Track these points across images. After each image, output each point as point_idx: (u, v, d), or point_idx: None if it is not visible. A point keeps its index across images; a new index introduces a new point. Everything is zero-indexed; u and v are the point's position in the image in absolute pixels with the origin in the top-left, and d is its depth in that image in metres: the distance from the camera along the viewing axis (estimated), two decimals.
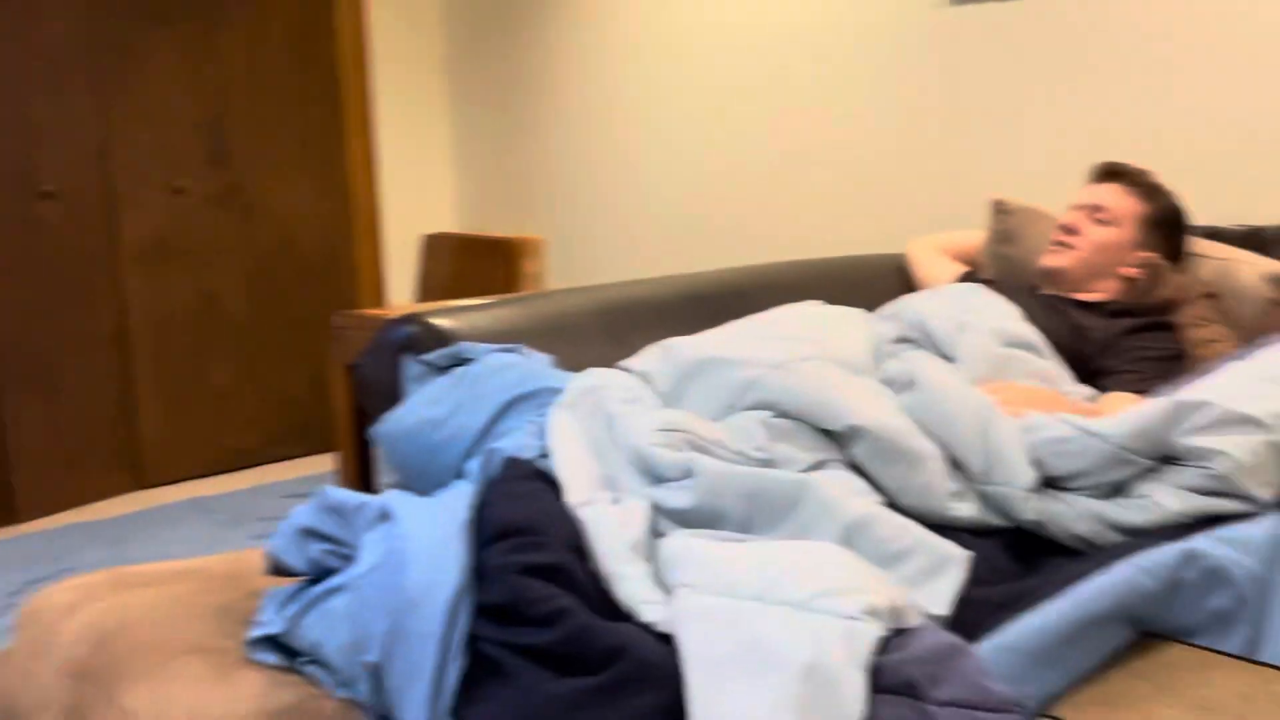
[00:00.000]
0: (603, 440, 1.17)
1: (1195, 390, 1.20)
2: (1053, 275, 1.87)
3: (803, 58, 2.92)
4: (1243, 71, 2.16)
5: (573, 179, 3.63)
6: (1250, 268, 1.89)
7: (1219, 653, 0.95)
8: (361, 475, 2.20)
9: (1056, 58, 2.43)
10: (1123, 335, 1.72)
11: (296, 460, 3.86)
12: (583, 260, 3.65)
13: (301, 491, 3.46)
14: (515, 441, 1.21)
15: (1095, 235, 1.85)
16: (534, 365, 1.40)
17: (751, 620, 0.80)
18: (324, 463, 3.80)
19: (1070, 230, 1.86)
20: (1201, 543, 1.00)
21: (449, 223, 4.11)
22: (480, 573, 0.94)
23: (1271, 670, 0.91)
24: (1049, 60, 2.44)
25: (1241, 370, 1.28)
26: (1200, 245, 1.97)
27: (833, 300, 1.99)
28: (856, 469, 1.23)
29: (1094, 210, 1.86)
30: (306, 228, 3.85)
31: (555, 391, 1.31)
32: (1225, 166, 2.19)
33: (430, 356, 1.54)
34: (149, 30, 3.43)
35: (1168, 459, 1.16)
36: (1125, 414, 1.17)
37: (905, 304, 1.73)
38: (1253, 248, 1.98)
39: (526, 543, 0.91)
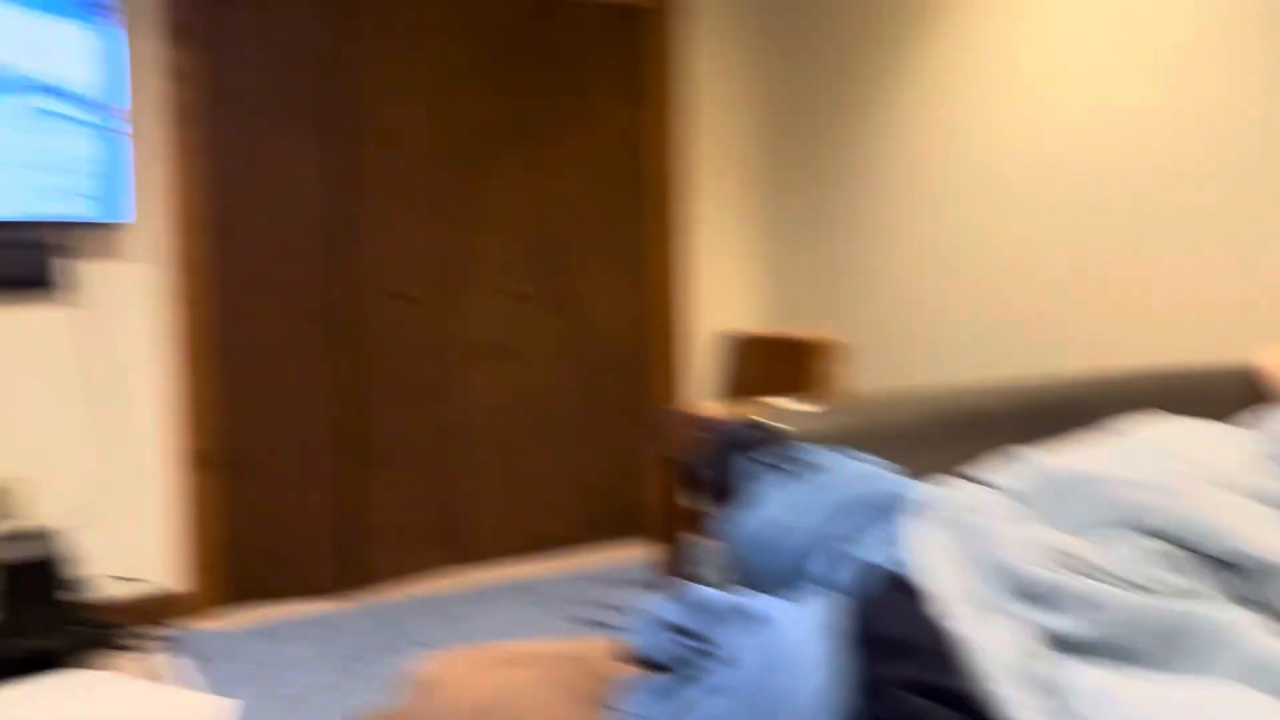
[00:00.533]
0: (972, 554, 1.13)
1: None
2: None
3: (1155, 142, 2.78)
4: None
5: (880, 278, 3.61)
6: None
7: None
8: (677, 568, 2.25)
9: None
10: None
11: (601, 545, 4.01)
12: (887, 363, 3.60)
13: (611, 578, 3.58)
14: (875, 551, 1.19)
15: None
16: (885, 473, 1.39)
17: None
18: (628, 550, 3.92)
19: None
20: None
21: (754, 322, 4.20)
22: (867, 688, 0.93)
23: None
24: None
25: None
26: None
27: (1173, 412, 1.84)
28: (1266, 609, 1.11)
29: None
30: (619, 328, 4.06)
31: (912, 501, 1.29)
32: None
33: (768, 456, 1.57)
34: (492, 150, 3.80)
35: None
36: None
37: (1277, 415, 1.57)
38: None
39: (923, 662, 0.89)
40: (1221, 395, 2.15)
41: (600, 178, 4.00)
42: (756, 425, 1.74)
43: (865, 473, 1.42)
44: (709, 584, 1.36)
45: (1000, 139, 3.14)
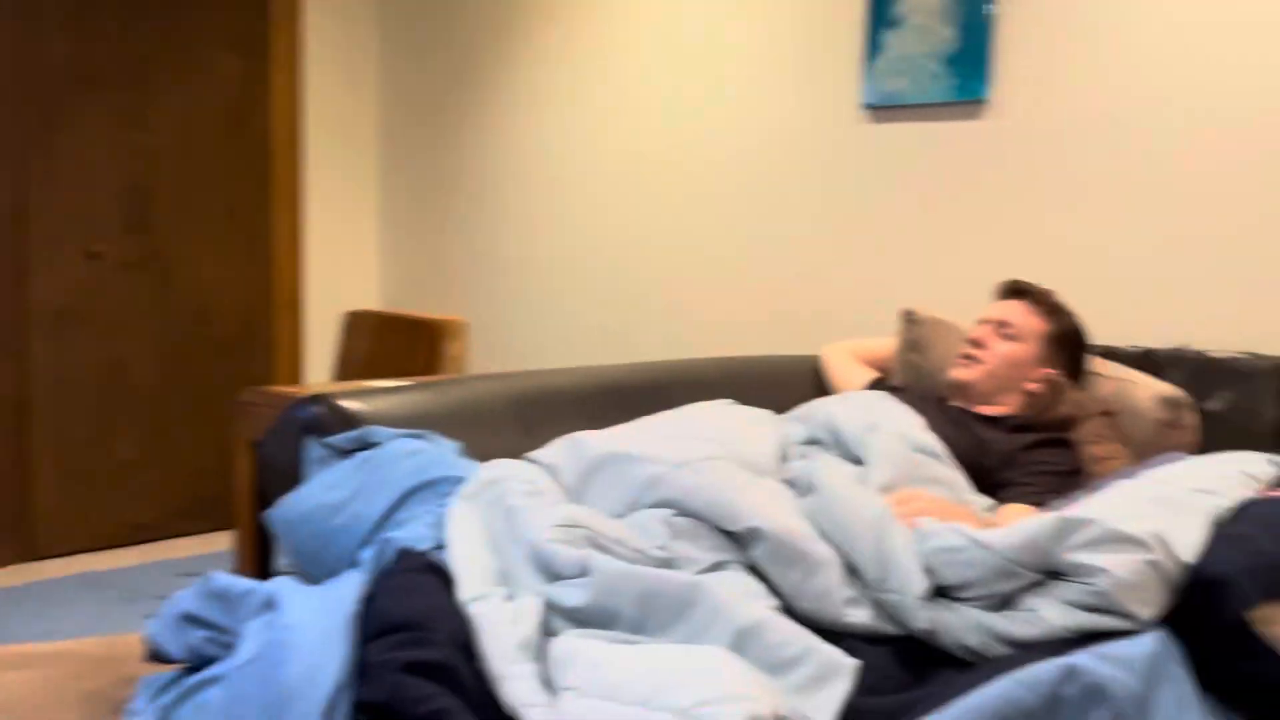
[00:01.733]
0: (501, 534, 1.16)
1: (1082, 507, 1.23)
2: (960, 387, 1.93)
3: (731, 161, 3.01)
4: (1141, 201, 2.28)
5: (502, 262, 3.65)
6: (1145, 389, 1.97)
7: None
8: (260, 557, 2.14)
9: (967, 178, 2.54)
10: (1022, 450, 1.77)
11: (199, 537, 3.73)
12: (507, 346, 3.65)
13: (198, 570, 3.34)
14: (412, 532, 1.19)
15: (1001, 350, 1.92)
16: (439, 453, 1.39)
17: None
18: (225, 541, 3.68)
19: (978, 344, 1.93)
20: (1082, 659, 1.02)
21: (373, 301, 4.09)
22: (362, 669, 0.92)
23: None
24: (960, 179, 2.55)
25: (1128, 489, 1.33)
26: (1099, 365, 2.05)
27: (747, 399, 2.02)
28: (755, 571, 1.24)
29: (1000, 326, 1.93)
30: (225, 300, 3.80)
31: (458, 481, 1.30)
32: (1122, 289, 2.29)
33: (334, 439, 1.52)
34: (75, 95, 3.40)
35: (1054, 574, 1.19)
36: (1014, 527, 1.20)
37: (817, 406, 1.76)
38: (1146, 368, 2.06)
39: (411, 639, 0.89)
40: (791, 385, 2.38)
41: (204, 134, 3.70)
42: (329, 406, 1.68)
43: (422, 455, 1.41)
44: (260, 574, 1.29)
45: (618, 128, 3.28)
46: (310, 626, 0.95)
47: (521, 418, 1.83)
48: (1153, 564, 1.14)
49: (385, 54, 4.03)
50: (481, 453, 1.61)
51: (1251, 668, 1.13)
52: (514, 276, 3.62)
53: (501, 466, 1.28)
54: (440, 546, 1.18)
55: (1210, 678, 1.16)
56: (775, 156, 2.91)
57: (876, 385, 2.14)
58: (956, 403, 1.94)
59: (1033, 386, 1.92)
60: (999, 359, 1.92)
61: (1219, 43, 2.18)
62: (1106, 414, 1.96)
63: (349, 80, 3.98)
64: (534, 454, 1.38)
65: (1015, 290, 2.01)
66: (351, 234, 4.03)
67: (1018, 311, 1.95)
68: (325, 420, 1.62)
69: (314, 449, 1.53)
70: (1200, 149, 2.20)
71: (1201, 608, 1.14)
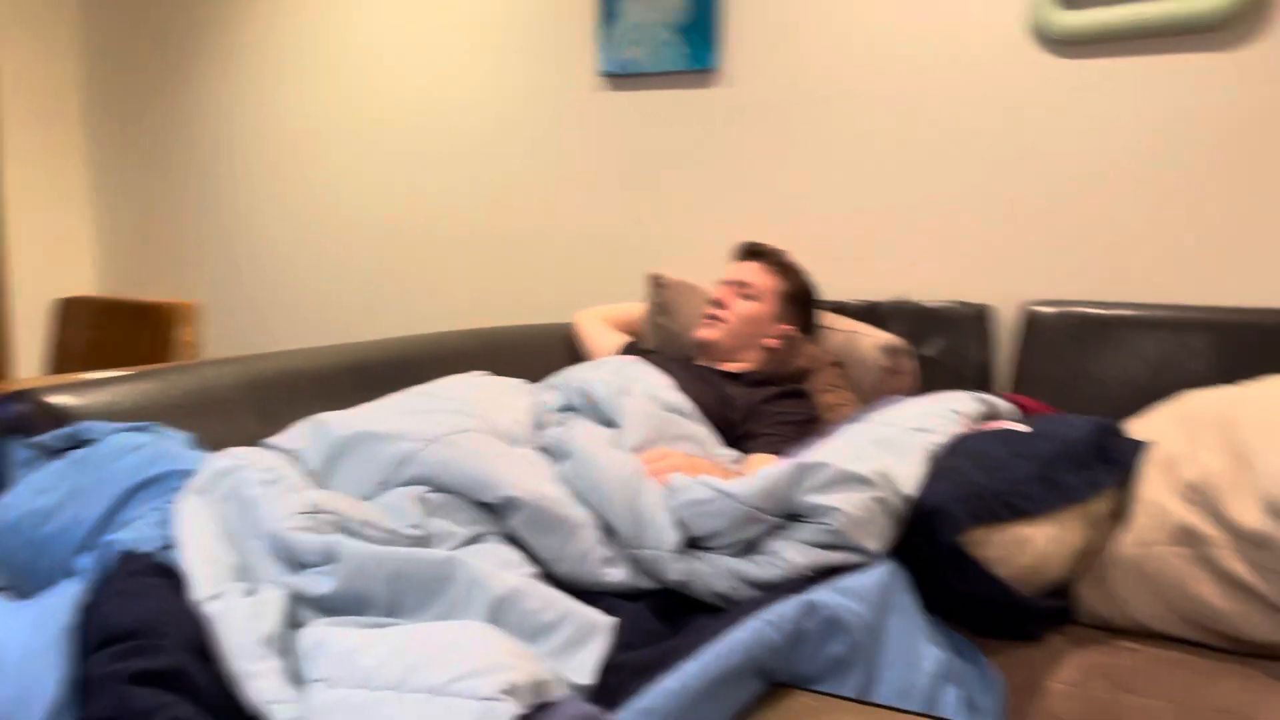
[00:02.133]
0: (238, 527, 1.09)
1: (815, 452, 1.31)
2: (705, 346, 2.00)
3: (472, 131, 2.96)
4: (862, 166, 2.44)
5: (235, 240, 3.43)
6: (869, 339, 2.12)
7: (837, 697, 1.03)
8: None
9: (703, 145, 2.62)
10: (764, 402, 1.86)
11: None
12: (245, 330, 3.44)
13: None
14: (136, 533, 1.09)
15: (741, 309, 2.01)
16: (165, 446, 1.29)
17: (385, 712, 0.77)
18: None
19: (720, 304, 2.01)
20: (820, 594, 1.09)
21: (90, 286, 3.74)
22: (85, 684, 0.84)
23: (881, 710, 0.99)
24: (696, 146, 2.63)
25: (856, 433, 1.42)
26: (828, 318, 2.19)
27: (501, 369, 2.00)
28: (514, 540, 1.23)
29: (739, 286, 2.02)
30: None
31: (187, 474, 1.21)
32: (848, 248, 2.45)
33: (43, 439, 1.38)
34: None
35: (794, 516, 1.26)
36: (755, 476, 1.25)
37: (571, 373, 1.78)
38: (871, 320, 2.22)
39: (137, 647, 0.82)
40: (546, 353, 2.38)
41: None
42: (35, 402, 1.52)
43: (146, 449, 1.30)
44: None
45: (354, 96, 3.14)
46: (18, 644, 0.85)
47: (259, 403, 1.73)
48: (879, 500, 1.23)
49: (89, 15, 3.66)
50: (216, 443, 1.51)
51: (966, 586, 1.24)
52: (249, 255, 3.41)
53: (236, 455, 1.20)
54: (169, 546, 1.09)
55: (933, 598, 1.27)
56: (516, 126, 2.89)
57: (630, 349, 2.18)
58: (703, 362, 2.02)
59: (771, 342, 2.02)
60: (739, 318, 2.01)
61: (873, 19, 2.36)
62: (837, 364, 2.09)
63: (47, 47, 3.59)
64: (273, 440, 1.31)
65: (751, 252, 2.11)
66: (60, 214, 3.66)
67: (754, 272, 2.05)
68: (30, 418, 1.46)
69: (19, 451, 1.38)
70: (915, 118, 2.37)
71: (922, 536, 1.24)
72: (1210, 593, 1.21)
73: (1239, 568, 1.18)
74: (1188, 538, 1.24)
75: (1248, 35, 2.05)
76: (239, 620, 0.92)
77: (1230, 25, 2.05)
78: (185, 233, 3.53)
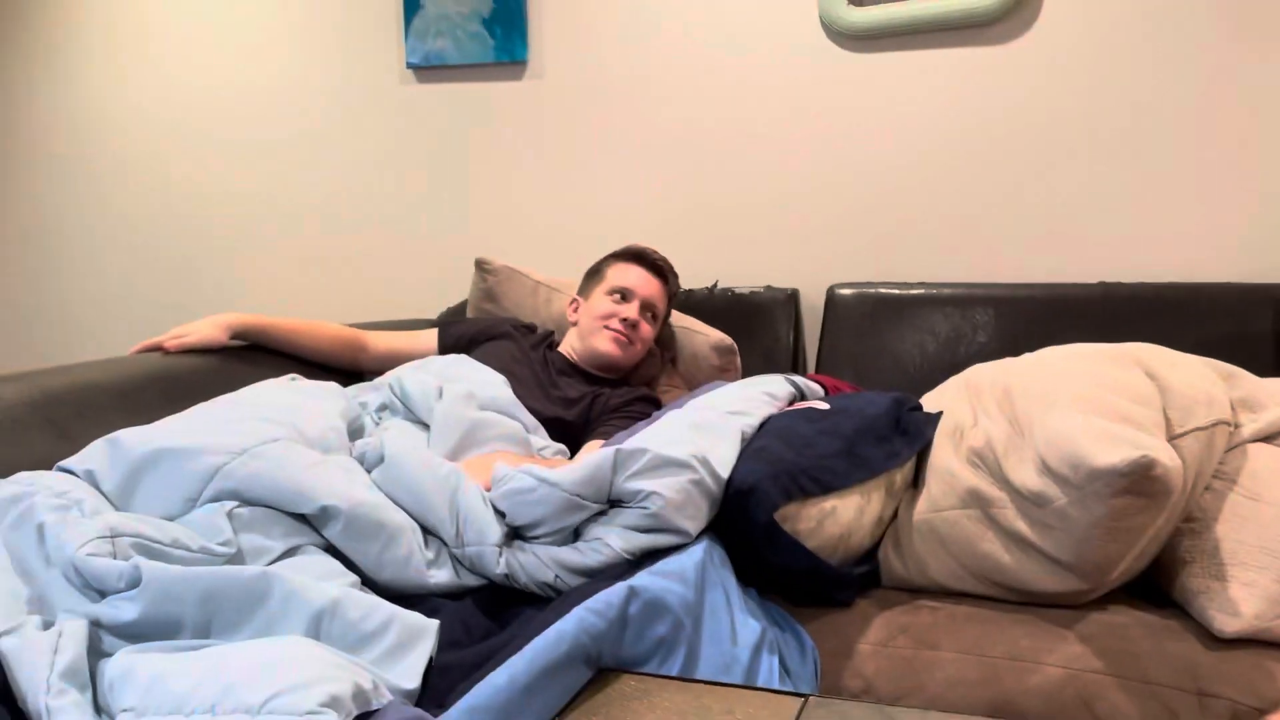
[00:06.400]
0: (31, 556, 1.02)
1: (635, 439, 1.34)
2: (611, 361, 1.96)
3: (282, 125, 2.85)
4: (669, 157, 2.50)
5: (21, 240, 3.18)
6: (702, 337, 2.16)
7: (662, 677, 1.06)
8: None
9: (515, 136, 2.62)
10: (624, 404, 1.87)
11: None
12: (35, 340, 3.20)
13: None
14: None
15: (646, 332, 1.99)
16: None
17: None
18: None
19: (634, 325, 1.95)
20: (642, 579, 1.12)
21: None
22: None
23: (702, 685, 1.04)
24: (508, 138, 2.62)
25: (675, 418, 1.46)
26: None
27: (315, 373, 1.94)
28: (333, 550, 1.21)
29: (648, 307, 1.99)
30: None
31: None
32: (660, 238, 2.50)
33: None
34: None
35: (615, 502, 1.29)
36: (576, 463, 1.28)
37: (390, 374, 1.74)
38: (686, 309, 2.27)
39: None
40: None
41: None
42: None
43: None
44: None
45: (155, 91, 2.97)
46: None
47: (52, 421, 1.62)
48: (696, 482, 1.28)
49: None
50: (4, 467, 1.41)
51: (780, 559, 1.31)
52: (40, 258, 3.17)
53: (25, 480, 1.13)
54: None
55: (749, 572, 1.33)
56: (325, 119, 2.80)
57: (446, 331, 2.08)
58: (583, 365, 1.98)
59: (644, 356, 2.05)
60: (644, 343, 2.00)
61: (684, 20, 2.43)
62: (673, 361, 2.15)
63: None
64: (67, 462, 1.23)
65: (657, 268, 2.04)
66: None
67: (661, 296, 2.02)
68: None
69: None
70: (719, 110, 2.45)
71: (737, 514, 1.30)
72: (997, 550, 1.31)
73: (1020, 525, 1.29)
74: (975, 500, 1.34)
75: (1017, 30, 2.21)
76: (35, 654, 0.87)
77: (1001, 21, 2.22)
78: None
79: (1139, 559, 1.29)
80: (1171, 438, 1.30)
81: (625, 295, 1.98)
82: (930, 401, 1.60)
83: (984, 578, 1.34)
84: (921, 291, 2.15)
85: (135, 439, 1.20)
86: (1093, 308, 2.02)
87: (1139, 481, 1.17)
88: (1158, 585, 1.35)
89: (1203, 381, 1.37)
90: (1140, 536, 1.23)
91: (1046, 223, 2.22)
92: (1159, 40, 2.13)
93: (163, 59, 2.95)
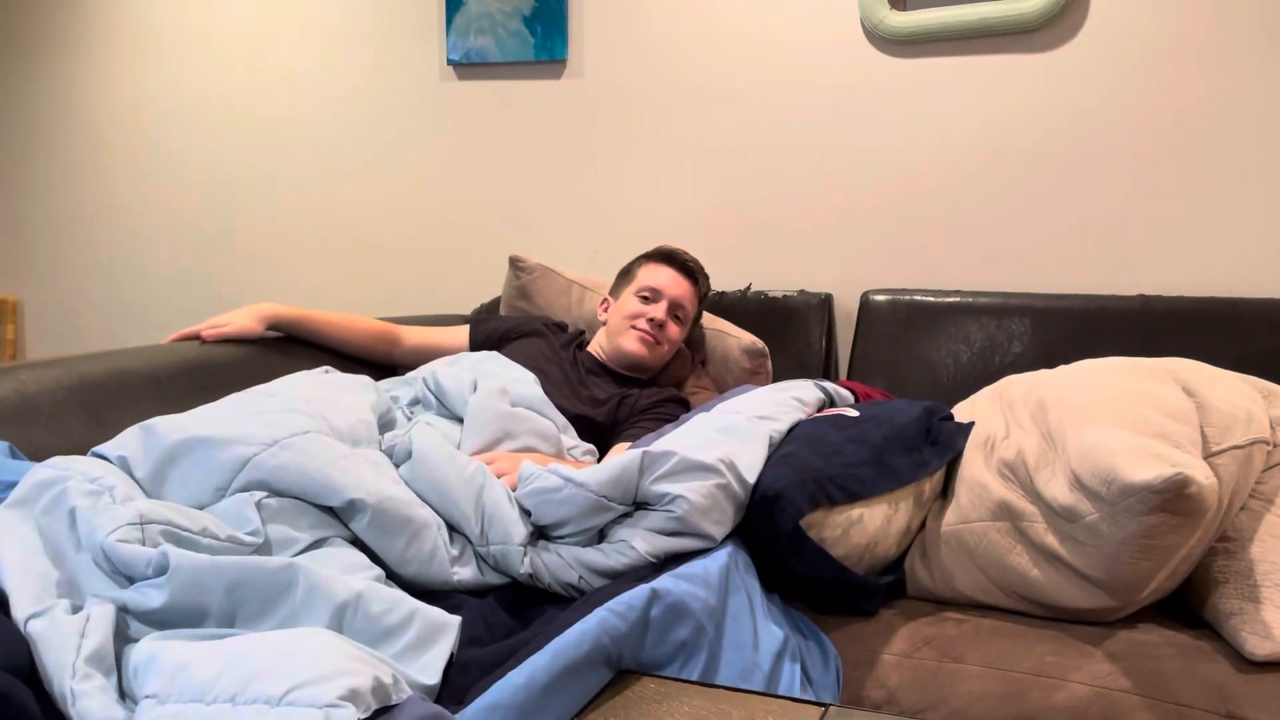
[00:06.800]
0: (63, 540, 1.04)
1: (663, 442, 1.34)
2: (637, 361, 1.96)
3: (322, 121, 2.88)
4: (708, 158, 2.49)
5: (59, 231, 3.24)
6: (733, 340, 2.15)
7: (682, 681, 1.06)
8: None
9: (554, 135, 2.62)
10: (653, 405, 1.87)
11: None
12: (72, 327, 3.26)
13: None
14: None
15: (674, 333, 1.98)
16: None
17: None
18: None
19: (660, 326, 1.95)
20: (665, 582, 1.12)
21: None
22: None
23: (722, 691, 1.03)
24: (547, 136, 2.63)
25: (703, 421, 1.46)
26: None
27: (346, 365, 1.96)
28: (359, 544, 1.22)
29: (676, 308, 1.99)
30: None
31: (8, 486, 1.14)
32: (696, 238, 2.49)
33: None
34: None
35: (641, 504, 1.29)
36: (603, 464, 1.28)
37: (424, 369, 1.75)
38: (718, 311, 2.26)
39: None
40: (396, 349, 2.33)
41: None
42: None
43: None
44: None
45: (195, 79, 3.01)
46: None
47: (88, 407, 1.65)
48: (722, 487, 1.27)
49: None
50: (41, 451, 1.43)
51: (804, 567, 1.30)
52: (77, 247, 3.23)
53: (60, 465, 1.14)
54: None
55: (773, 578, 1.33)
56: (364, 114, 2.82)
57: (478, 325, 2.10)
58: (611, 365, 1.98)
59: (671, 356, 2.04)
60: (672, 344, 1.99)
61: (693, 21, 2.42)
62: (703, 363, 2.14)
63: None
64: (101, 448, 1.25)
65: (687, 269, 2.03)
66: None
67: (690, 298, 2.01)
68: None
69: None
70: (758, 112, 2.44)
71: (762, 520, 1.29)
72: (1026, 564, 1.30)
73: (1051, 540, 1.27)
74: (1005, 513, 1.33)
75: (1060, 38, 2.19)
76: (64, 638, 0.88)
77: (1045, 29, 2.19)
78: (4, 224, 3.31)
79: (1170, 578, 1.27)
80: (1208, 455, 1.27)
81: (654, 295, 1.97)
82: (962, 411, 1.58)
83: (1012, 592, 1.33)
84: (957, 299, 2.13)
85: (169, 427, 1.21)
86: (1131, 320, 1.99)
87: (1173, 499, 1.15)
88: (1189, 605, 1.33)
89: (1241, 399, 1.34)
90: (1172, 555, 1.21)
91: (1086, 232, 2.19)
92: (1204, 50, 2.09)
93: (207, 52, 2.99)
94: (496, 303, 2.44)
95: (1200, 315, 1.96)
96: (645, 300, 1.97)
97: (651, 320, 1.94)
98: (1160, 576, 1.24)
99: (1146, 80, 2.14)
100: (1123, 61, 2.15)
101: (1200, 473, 1.16)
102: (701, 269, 2.06)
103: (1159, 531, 1.18)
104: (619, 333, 1.96)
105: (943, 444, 1.45)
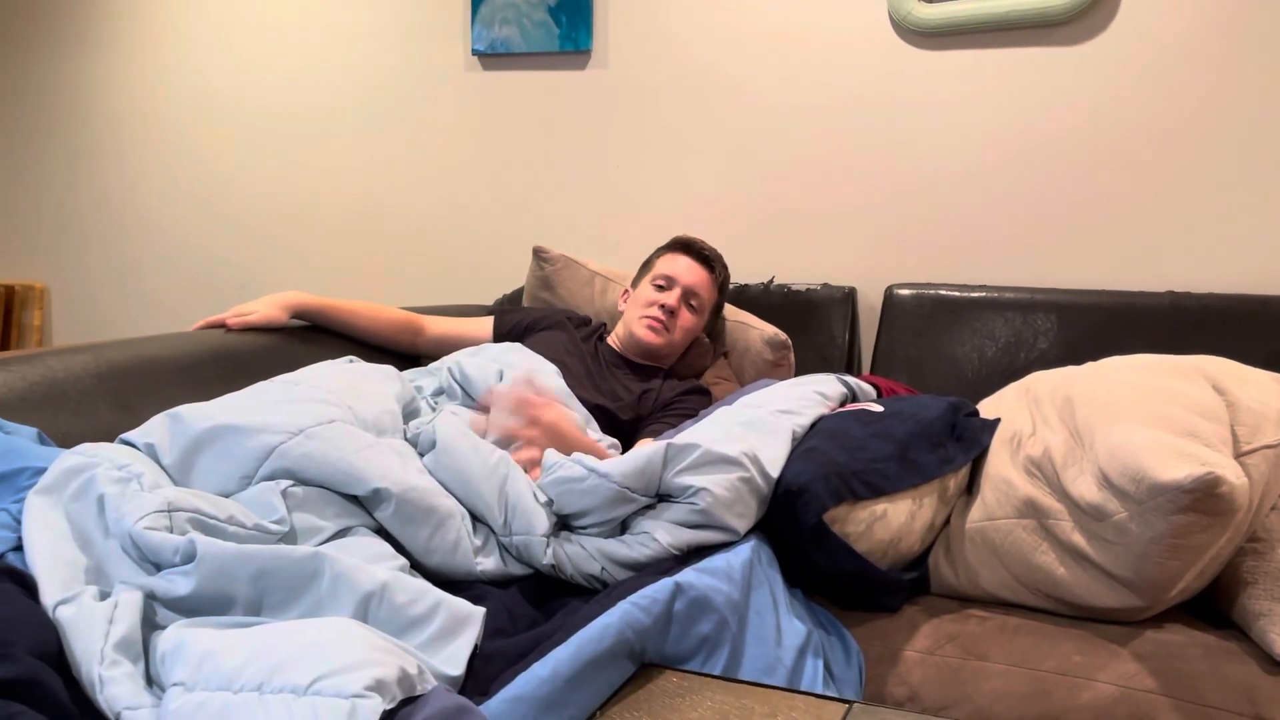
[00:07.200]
0: (91, 527, 1.05)
1: (686, 434, 1.34)
2: (649, 349, 1.96)
3: (347, 109, 2.89)
4: (730, 150, 2.48)
5: (86, 218, 3.26)
6: (756, 331, 2.14)
7: (706, 675, 1.06)
8: None
9: (578, 125, 2.62)
10: (676, 398, 1.86)
11: None
12: (98, 314, 3.29)
13: None
14: None
15: (688, 321, 1.98)
16: (13, 442, 1.23)
17: (247, 714, 0.76)
18: None
19: (671, 312, 1.95)
20: (688, 575, 1.12)
21: None
22: None
23: (744, 686, 1.03)
24: (571, 126, 2.62)
25: (725, 415, 1.46)
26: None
27: (369, 355, 1.96)
28: (384, 533, 1.22)
29: (690, 296, 1.99)
30: None
31: (37, 472, 1.15)
32: (718, 230, 2.48)
33: None
34: None
35: (664, 497, 1.28)
36: (627, 456, 1.28)
37: (448, 359, 1.76)
38: (739, 303, 2.25)
39: None
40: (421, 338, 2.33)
41: None
42: None
43: None
44: None
45: (220, 69, 3.02)
46: None
47: (116, 394, 1.66)
48: (746, 480, 1.27)
49: None
50: (68, 438, 1.44)
51: (827, 562, 1.29)
52: (103, 234, 3.25)
53: (88, 451, 1.15)
54: (19, 548, 1.04)
55: (796, 573, 1.32)
56: (388, 104, 2.83)
57: (503, 317, 2.10)
58: (628, 355, 1.98)
59: (690, 346, 2.04)
60: (685, 330, 1.98)
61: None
62: (725, 355, 2.13)
63: None
64: (128, 435, 1.26)
65: (703, 257, 2.02)
66: None
67: (705, 286, 2.00)
68: None
69: None
70: (784, 104, 2.42)
71: (786, 514, 1.29)
72: (1052, 562, 1.29)
73: (1077, 538, 1.26)
74: (1031, 510, 1.32)
75: (1090, 31, 2.16)
76: (92, 624, 0.89)
77: (1074, 21, 2.16)
78: (29, 209, 3.34)
79: (1199, 578, 1.26)
80: (1238, 455, 1.26)
81: (668, 283, 1.98)
82: (988, 408, 1.57)
83: (1037, 590, 1.32)
84: (982, 294, 2.12)
85: (195, 415, 1.22)
86: (1159, 317, 1.97)
87: (1203, 499, 1.14)
88: (1216, 605, 1.31)
89: (1272, 398, 1.33)
90: (1201, 555, 1.20)
91: (1114, 228, 2.17)
92: (1236, 44, 2.06)
93: (233, 43, 3.00)
94: (519, 293, 2.44)
95: (1230, 312, 1.94)
96: (659, 289, 1.98)
97: (663, 307, 1.94)
98: (1188, 576, 1.22)
99: (1177, 74, 2.11)
100: (1153, 55, 2.12)
101: (1231, 472, 1.15)
102: (719, 257, 2.05)
103: (1188, 531, 1.16)
104: (633, 321, 1.97)
105: (968, 440, 1.44)
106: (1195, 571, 1.22)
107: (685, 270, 1.99)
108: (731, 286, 2.33)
